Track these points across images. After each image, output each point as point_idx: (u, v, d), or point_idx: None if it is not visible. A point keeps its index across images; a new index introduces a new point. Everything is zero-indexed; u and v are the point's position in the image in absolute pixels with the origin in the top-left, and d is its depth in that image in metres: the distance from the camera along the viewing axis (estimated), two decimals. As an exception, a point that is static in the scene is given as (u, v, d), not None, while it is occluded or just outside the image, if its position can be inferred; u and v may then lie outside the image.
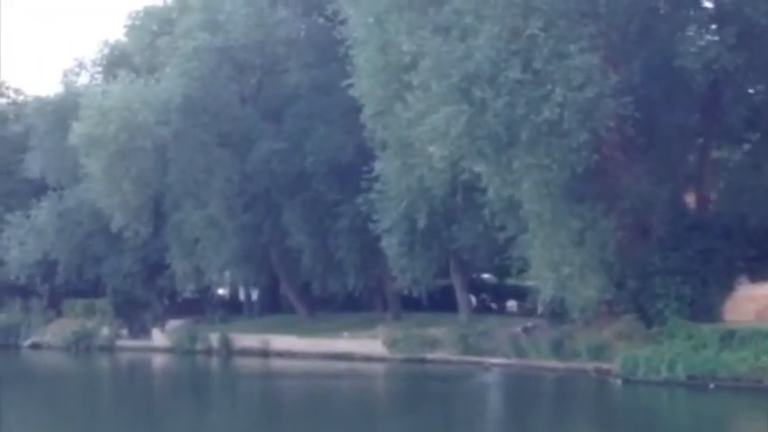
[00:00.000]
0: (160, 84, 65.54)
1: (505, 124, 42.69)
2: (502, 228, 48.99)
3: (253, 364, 64.09)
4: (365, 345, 62.52)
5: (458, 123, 42.76)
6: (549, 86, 42.15)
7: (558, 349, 53.58)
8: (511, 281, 77.28)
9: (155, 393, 53.89)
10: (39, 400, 47.70)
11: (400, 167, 52.87)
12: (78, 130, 64.63)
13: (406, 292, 60.58)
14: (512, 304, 76.62)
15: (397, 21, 46.51)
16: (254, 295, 79.47)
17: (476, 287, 73.01)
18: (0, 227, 79.50)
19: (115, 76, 68.99)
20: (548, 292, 45.74)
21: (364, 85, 50.06)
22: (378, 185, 57.31)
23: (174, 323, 76.20)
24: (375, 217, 58.36)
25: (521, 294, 76.72)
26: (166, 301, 79.96)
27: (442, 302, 66.69)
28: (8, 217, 76.52)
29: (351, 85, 64.98)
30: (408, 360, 59.63)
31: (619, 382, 46.54)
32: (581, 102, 42.06)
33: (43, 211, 75.40)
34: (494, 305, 75.85)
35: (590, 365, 50.55)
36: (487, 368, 54.44)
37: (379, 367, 59.83)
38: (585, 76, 42.16)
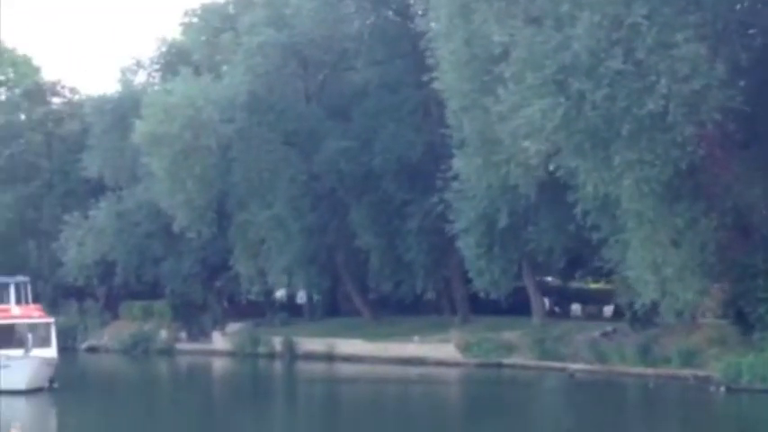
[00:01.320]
0: (224, 81, 63.24)
1: (605, 118, 40.03)
2: (594, 227, 46.25)
3: (318, 368, 61.61)
4: (437, 349, 59.92)
5: (554, 117, 40.17)
6: (652, 78, 39.47)
7: (645, 355, 50.88)
8: (574, 284, 74.84)
9: (222, 398, 51.44)
10: (106, 406, 45.21)
11: (481, 165, 50.23)
12: (141, 128, 62.48)
13: (481, 294, 57.72)
14: (575, 308, 73.99)
15: (485, 11, 43.87)
16: (302, 297, 77.10)
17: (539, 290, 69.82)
18: (58, 228, 77.56)
19: (175, 74, 66.81)
20: (648, 294, 42.92)
21: (448, 79, 47.44)
22: (455, 184, 54.72)
23: (233, 326, 73.74)
24: (451, 217, 55.81)
25: (584, 298, 74.28)
26: (226, 304, 77.58)
27: (507, 305, 64.02)
28: (66, 217, 74.25)
29: (422, 82, 63.16)
30: (483, 365, 56.98)
31: (722, 390, 43.70)
32: (687, 94, 39.33)
33: (102, 212, 73.12)
34: (556, 308, 72.87)
35: (683, 372, 47.85)
36: (572, 374, 51.66)
37: (452, 372, 57.22)
38: (691, 66, 39.42)
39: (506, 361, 57.04)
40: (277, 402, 49.69)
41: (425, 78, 51.81)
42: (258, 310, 76.79)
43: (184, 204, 62.66)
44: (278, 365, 65.23)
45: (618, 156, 40.42)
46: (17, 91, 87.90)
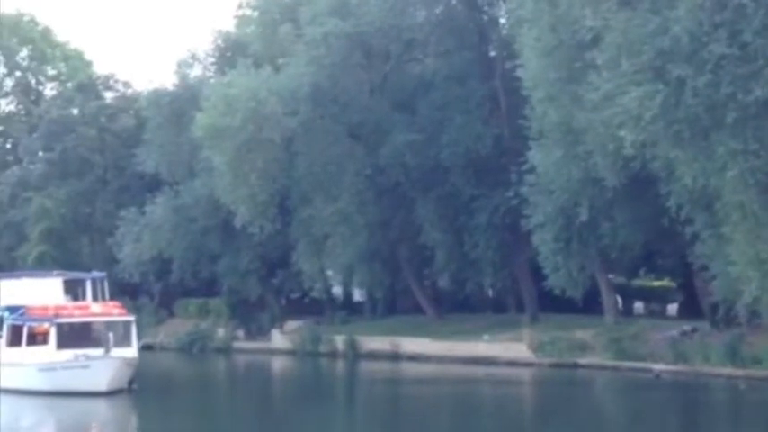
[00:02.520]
0: (286, 72, 61.08)
1: (707, 106, 37.61)
2: (688, 221, 43.73)
3: (383, 367, 59.33)
4: (508, 348, 57.47)
5: (652, 105, 37.72)
6: (759, 62, 36.91)
7: (733, 355, 48.21)
8: (637, 281, 72.34)
9: (288, 398, 48.90)
10: (186, 408, 42.74)
11: (562, 157, 47.86)
12: (201, 121, 60.46)
13: (556, 291, 55.21)
14: (638, 306, 71.60)
15: (573, -5, 41.50)
16: (360, 295, 75.00)
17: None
18: (112, 224, 75.74)
19: (231, 67, 64.70)
20: (752, 292, 40.30)
21: (533, 67, 45.02)
22: (530, 178, 52.31)
23: (291, 324, 71.61)
24: (526, 212, 53.39)
25: (647, 296, 71.81)
26: (284, 301, 75.46)
27: (574, 303, 61.71)
28: (123, 213, 72.27)
29: (489, 73, 61.37)
30: (557, 365, 54.46)
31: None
32: (796, 79, 36.82)
33: (159, 207, 71.03)
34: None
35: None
36: (657, 375, 49.09)
37: (524, 372, 54.75)
38: (801, 50, 36.92)
39: (582, 361, 54.51)
40: (344, 402, 47.34)
41: (508, 66, 49.30)
42: (316, 307, 74.70)
43: (247, 199, 60.47)
44: (340, 365, 62.97)
45: (721, 146, 37.94)
46: (69, 85, 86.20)
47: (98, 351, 42.14)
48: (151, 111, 72.65)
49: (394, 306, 72.15)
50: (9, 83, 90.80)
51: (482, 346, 58.60)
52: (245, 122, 58.79)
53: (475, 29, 61.85)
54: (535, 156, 50.20)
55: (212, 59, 77.20)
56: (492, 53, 63.15)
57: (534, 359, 56.12)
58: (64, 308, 45.16)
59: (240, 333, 73.07)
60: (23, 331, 44.49)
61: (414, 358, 60.35)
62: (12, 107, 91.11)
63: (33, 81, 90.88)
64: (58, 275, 49.62)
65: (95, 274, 50.94)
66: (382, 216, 62.81)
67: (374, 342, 63.79)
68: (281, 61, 65.11)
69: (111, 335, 42.12)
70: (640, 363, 51.79)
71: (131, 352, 43.40)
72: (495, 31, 62.55)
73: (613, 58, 39.19)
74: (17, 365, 43.82)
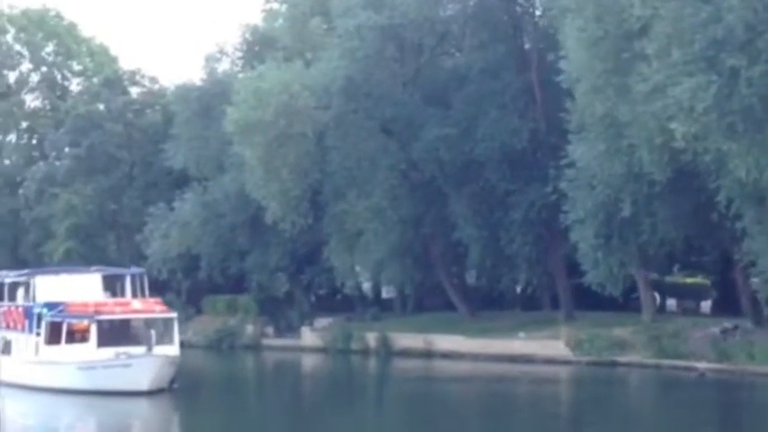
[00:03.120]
0: (319, 66, 59.97)
1: (762, 96, 36.39)
2: (737, 216, 42.47)
3: (416, 365, 58.23)
4: (545, 346, 56.25)
5: (704, 97, 36.46)
6: (817, 52, 35.74)
7: (779, 354, 47.01)
8: (670, 278, 70.99)
9: (324, 397, 47.85)
10: (227, 408, 41.29)
11: (604, 151, 46.63)
12: (232, 116, 59.35)
13: (595, 288, 53.89)
14: (671, 303, 70.21)
15: (620, -16, 40.26)
16: (388, 291, 73.80)
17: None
18: (139, 220, 74.83)
19: (261, 61, 63.59)
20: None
21: (578, 59, 43.72)
22: (569, 172, 51.08)
23: (321, 321, 70.52)
24: (565, 207, 52.15)
25: (680, 293, 70.42)
26: (313, 298, 74.36)
27: (609, 300, 60.51)
28: (151, 209, 71.22)
29: (525, 67, 60.12)
30: (596, 363, 53.21)
31: None
32: None
33: (187, 203, 69.96)
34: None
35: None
36: (702, 374, 47.83)
37: (562, 370, 53.58)
38: None
39: (621, 359, 53.28)
40: (380, 401, 46.22)
41: (547, 58, 48.05)
42: (344, 304, 73.72)
43: (278, 194, 59.38)
44: (372, 362, 61.88)
45: (776, 138, 36.77)
46: (95, 81, 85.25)
47: (139, 349, 40.86)
48: (179, 106, 71.55)
49: (423, 303, 70.99)
50: (35, 78, 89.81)
51: (518, 344, 57.42)
52: (276, 117, 57.75)
53: (509, 21, 60.65)
54: (575, 150, 48.98)
55: (240, 54, 76.12)
56: (527, 46, 61.89)
57: (572, 357, 54.93)
58: (104, 304, 43.72)
59: (269, 330, 72.01)
60: (62, 328, 43.07)
61: (447, 356, 59.21)
62: (37, 103, 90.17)
63: (59, 77, 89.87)
64: (96, 271, 48.09)
65: (134, 269, 49.55)
66: (415, 212, 61.65)
67: (407, 339, 62.68)
68: (309, 55, 64.12)
69: (152, 332, 40.85)
70: (682, 361, 50.57)
71: (173, 350, 41.99)
72: (531, 24, 61.31)
73: (663, 47, 38.03)
74: (56, 364, 42.57)
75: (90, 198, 78.79)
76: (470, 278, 71.01)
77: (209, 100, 69.53)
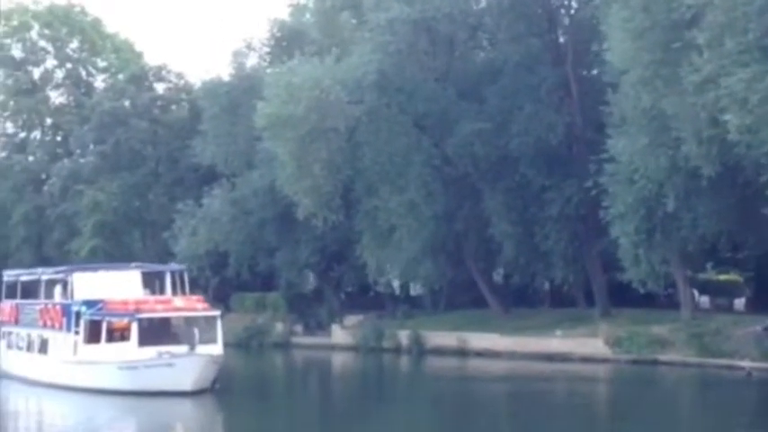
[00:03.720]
0: (351, 60, 58.83)
1: (819, 87, 35.09)
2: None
3: (451, 363, 57.09)
4: (584, 344, 55.01)
5: (759, 87, 35.24)
6: None
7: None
8: (702, 275, 69.71)
9: (363, 396, 46.30)
10: (272, 410, 40.16)
11: (648, 144, 45.41)
12: (264, 111, 58.21)
13: (638, 285, 52.67)
14: (704, 300, 68.86)
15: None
16: (415, 289, 72.58)
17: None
18: (165, 217, 73.86)
19: (290, 56, 62.48)
20: None
21: (624, 50, 42.46)
22: (610, 167, 49.88)
23: (351, 319, 69.43)
24: (604, 202, 50.95)
25: (713, 290, 69.11)
26: (342, 296, 73.26)
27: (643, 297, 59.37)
28: (180, 206, 70.18)
29: (560, 60, 58.95)
30: (636, 361, 52.05)
31: None
32: None
33: (216, 200, 68.91)
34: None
35: None
36: (749, 373, 46.54)
37: (601, 369, 52.34)
38: None
39: (662, 357, 52.06)
40: (418, 401, 44.43)
41: (588, 50, 46.86)
42: (373, 301, 72.69)
43: (310, 190, 58.27)
44: (405, 361, 60.77)
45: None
46: (120, 77, 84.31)
47: (181, 348, 39.44)
48: (207, 101, 70.49)
49: (453, 300, 69.81)
50: (59, 74, 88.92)
51: (555, 342, 56.24)
52: (308, 111, 56.58)
53: (544, 14, 59.37)
54: (617, 144, 47.76)
55: (267, 49, 75.12)
56: (561, 39, 60.68)
57: (611, 355, 53.74)
58: (145, 302, 42.19)
59: (298, 328, 70.98)
60: (102, 327, 41.59)
61: (481, 354, 58.07)
62: (62, 99, 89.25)
63: (83, 73, 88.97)
64: (135, 268, 46.69)
65: (174, 266, 48.11)
66: (448, 208, 60.52)
67: (440, 337, 61.57)
68: (338, 50, 62.98)
69: (195, 331, 39.45)
70: (725, 360, 49.34)
71: (217, 349, 40.54)
72: (567, 16, 60.10)
73: (716, 37, 36.85)
74: (95, 363, 41.18)
75: (115, 195, 77.80)
76: (497, 275, 70.06)
77: (237, 96, 68.54)
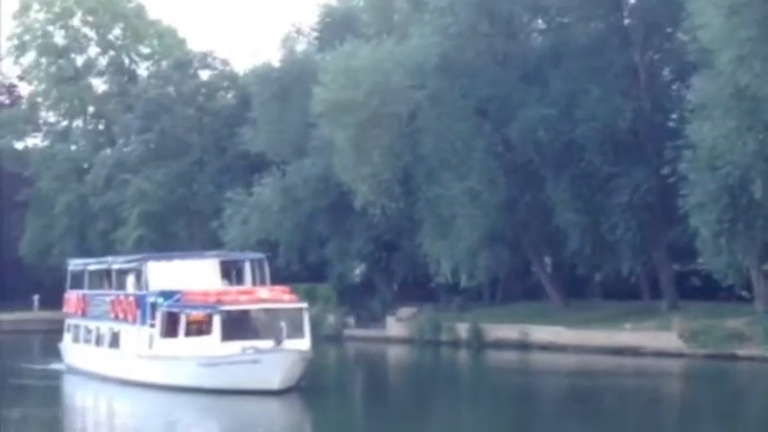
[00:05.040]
0: (411, 43, 56.20)
1: None
2: None
3: (514, 357, 54.51)
4: (656, 338, 52.12)
5: None
6: None
7: None
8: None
9: (440, 392, 42.76)
10: (364, 410, 37.57)
11: (735, 128, 42.58)
12: (321, 96, 55.74)
13: (718, 277, 49.83)
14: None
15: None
16: (467, 280, 69.72)
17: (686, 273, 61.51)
18: (212, 206, 71.46)
19: (342, 41, 59.83)
20: None
21: (717, 27, 39.61)
22: (688, 153, 47.07)
23: (404, 311, 66.71)
24: (683, 190, 48.14)
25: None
26: (395, 287, 70.61)
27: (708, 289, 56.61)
28: (230, 194, 67.67)
29: (628, 43, 56.18)
30: (712, 356, 49.09)
31: None
32: None
33: (267, 188, 66.37)
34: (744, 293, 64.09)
35: None
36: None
37: (675, 364, 49.39)
38: None
39: (741, 352, 49.17)
40: (490, 395, 41.79)
41: (669, 29, 44.06)
42: (427, 293, 70.02)
43: (369, 177, 55.70)
44: (466, 354, 58.07)
45: None
46: (164, 64, 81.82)
47: (266, 343, 36.31)
48: (258, 87, 67.92)
49: (509, 292, 67.13)
50: (102, 62, 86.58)
51: (625, 336, 53.37)
52: (368, 96, 54.16)
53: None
54: (700, 128, 44.91)
55: (315, 34, 72.68)
56: (627, 21, 57.81)
57: (685, 349, 50.79)
58: (226, 293, 38.68)
59: (350, 320, 68.40)
60: (180, 320, 38.48)
61: (545, 348, 55.33)
62: (105, 87, 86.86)
63: (126, 60, 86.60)
64: (214, 256, 43.49)
65: (253, 255, 44.83)
66: (509, 196, 57.83)
67: (501, 330, 58.83)
68: (392, 33, 60.43)
69: (283, 325, 36.16)
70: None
71: (305, 344, 37.39)
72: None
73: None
74: (173, 359, 38.11)
75: (161, 184, 75.38)
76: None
77: (288, 81, 66.07)
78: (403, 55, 55.25)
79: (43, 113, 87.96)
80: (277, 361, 35.64)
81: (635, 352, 51.60)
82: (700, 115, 45.57)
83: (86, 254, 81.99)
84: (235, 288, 40.34)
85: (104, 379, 42.27)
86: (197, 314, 38.18)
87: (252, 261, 43.02)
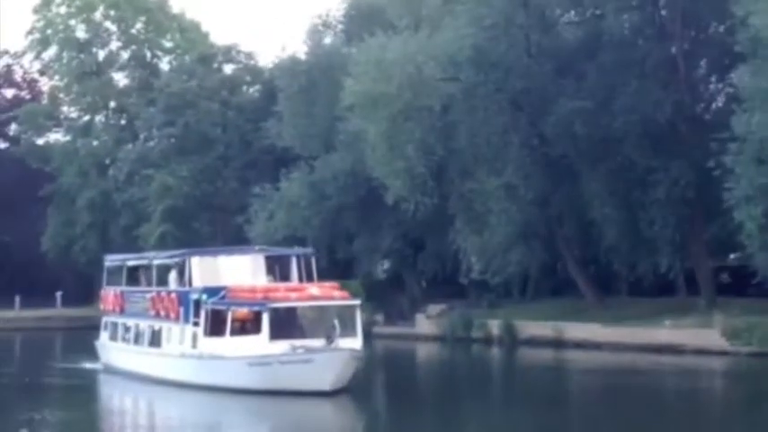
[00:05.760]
0: (444, 35, 54.70)
1: None
2: None
3: (549, 355, 52.96)
4: (696, 335, 50.55)
5: None
6: None
7: None
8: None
9: (486, 393, 41.36)
10: (392, 407, 35.99)
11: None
12: (353, 89, 54.30)
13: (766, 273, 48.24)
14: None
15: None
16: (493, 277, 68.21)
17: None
18: (236, 202, 70.13)
19: (371, 33, 58.34)
20: None
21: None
22: (734, 146, 45.50)
23: (433, 308, 65.30)
24: (727, 184, 46.57)
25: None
26: (424, 284, 69.14)
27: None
28: (257, 189, 66.24)
29: (666, 34, 54.68)
30: (758, 354, 47.51)
31: None
32: None
33: (294, 183, 64.94)
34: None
35: None
36: None
37: (717, 362, 47.85)
38: None
39: (786, 351, 47.70)
40: (531, 397, 39.92)
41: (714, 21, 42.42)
42: (455, 290, 68.60)
43: (402, 172, 54.23)
44: (498, 352, 56.61)
45: None
46: (187, 58, 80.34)
47: (317, 342, 34.66)
48: (285, 81, 66.44)
49: (539, 288, 65.61)
50: (124, 56, 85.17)
51: (664, 333, 51.81)
52: (401, 89, 52.71)
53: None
54: (750, 120, 43.34)
55: (341, 26, 71.33)
56: (664, 11, 56.19)
57: (728, 348, 49.24)
58: (275, 290, 36.68)
59: (379, 317, 66.95)
60: (227, 318, 36.14)
61: (580, 345, 53.77)
62: (127, 81, 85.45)
63: (149, 54, 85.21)
64: (259, 251, 41.31)
65: (300, 250, 42.90)
66: (544, 191, 56.33)
67: (534, 327, 57.38)
68: (419, 26, 58.96)
69: (336, 323, 34.54)
70: None
71: (357, 343, 35.57)
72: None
73: None
74: (220, 358, 36.16)
75: (185, 179, 73.95)
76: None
77: (315, 75, 64.64)
78: (436, 47, 53.81)
79: (64, 108, 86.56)
80: (330, 361, 33.96)
81: (675, 350, 50.06)
82: (747, 107, 43.96)
83: (109, 250, 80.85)
84: (282, 284, 38.41)
85: (144, 379, 40.54)
86: (242, 311, 36.37)
87: (298, 256, 40.91)
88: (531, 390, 41.76)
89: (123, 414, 34.56)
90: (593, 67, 54.80)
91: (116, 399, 38.96)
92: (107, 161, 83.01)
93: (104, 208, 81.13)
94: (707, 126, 51.38)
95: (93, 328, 73.43)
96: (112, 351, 44.87)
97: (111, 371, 44.09)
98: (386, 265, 72.32)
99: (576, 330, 55.20)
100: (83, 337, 69.87)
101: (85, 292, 79.14)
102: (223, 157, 75.51)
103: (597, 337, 53.79)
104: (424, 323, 63.22)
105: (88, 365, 45.76)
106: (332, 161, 64.16)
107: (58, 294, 78.50)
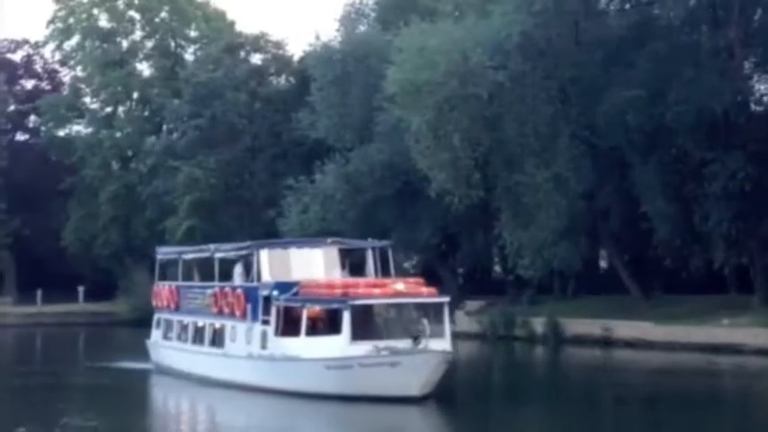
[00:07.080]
0: (492, 21, 52.19)
1: None
2: None
3: (599, 354, 50.72)
4: (757, 334, 48.06)
5: None
6: None
7: None
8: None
9: (555, 398, 38.45)
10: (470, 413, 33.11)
11: None
12: (396, 77, 51.79)
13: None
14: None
15: None
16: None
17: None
18: (270, 194, 67.57)
19: (406, 22, 55.77)
20: None
21: None
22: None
23: (472, 305, 62.82)
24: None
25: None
26: (461, 280, 66.62)
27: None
28: (290, 182, 63.58)
29: (721, 20, 52.18)
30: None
31: None
32: None
33: (329, 175, 62.37)
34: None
35: None
36: None
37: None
38: None
39: None
40: (592, 397, 37.79)
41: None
42: (491, 286, 66.28)
43: (448, 164, 51.70)
44: (543, 351, 54.10)
45: None
46: (213, 48, 77.70)
47: (403, 343, 31.35)
48: (318, 70, 63.76)
49: (581, 285, 63.10)
50: (148, 45, 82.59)
51: (722, 332, 49.33)
52: (447, 77, 50.16)
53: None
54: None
55: (373, 14, 68.82)
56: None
57: (792, 348, 46.88)
58: (355, 285, 33.46)
59: (414, 314, 64.36)
60: (302, 316, 32.97)
61: (631, 345, 51.39)
62: (150, 72, 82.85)
63: (173, 44, 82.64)
64: (332, 243, 37.81)
65: (376, 242, 39.77)
66: (592, 184, 53.85)
67: (580, 325, 54.99)
68: (457, 14, 56.44)
69: (425, 322, 31.27)
70: None
71: (446, 344, 32.45)
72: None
73: None
74: (294, 360, 32.93)
75: (213, 171, 71.36)
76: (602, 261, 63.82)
77: (351, 64, 62.10)
78: (482, 34, 51.27)
79: (86, 99, 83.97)
80: (418, 363, 30.74)
81: (735, 350, 47.63)
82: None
83: (132, 244, 78.47)
84: (362, 279, 35.31)
85: (203, 381, 37.48)
86: (322, 309, 33.25)
87: (374, 249, 37.74)
88: (620, 391, 38.48)
89: (176, 420, 31.69)
90: (643, 56, 52.28)
91: (169, 402, 35.95)
92: (130, 153, 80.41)
93: (127, 201, 78.59)
94: (764, 116, 48.78)
95: (116, 324, 71.55)
96: (166, 350, 41.71)
97: (164, 371, 41.04)
98: (414, 260, 69.95)
99: (627, 328, 52.80)
100: (108, 333, 67.65)
101: (107, 286, 76.84)
102: (251, 149, 72.90)
103: (649, 336, 51.43)
104: (464, 320, 60.56)
105: (139, 365, 42.46)
106: (368, 153, 61.59)
107: (81, 289, 76.05)
